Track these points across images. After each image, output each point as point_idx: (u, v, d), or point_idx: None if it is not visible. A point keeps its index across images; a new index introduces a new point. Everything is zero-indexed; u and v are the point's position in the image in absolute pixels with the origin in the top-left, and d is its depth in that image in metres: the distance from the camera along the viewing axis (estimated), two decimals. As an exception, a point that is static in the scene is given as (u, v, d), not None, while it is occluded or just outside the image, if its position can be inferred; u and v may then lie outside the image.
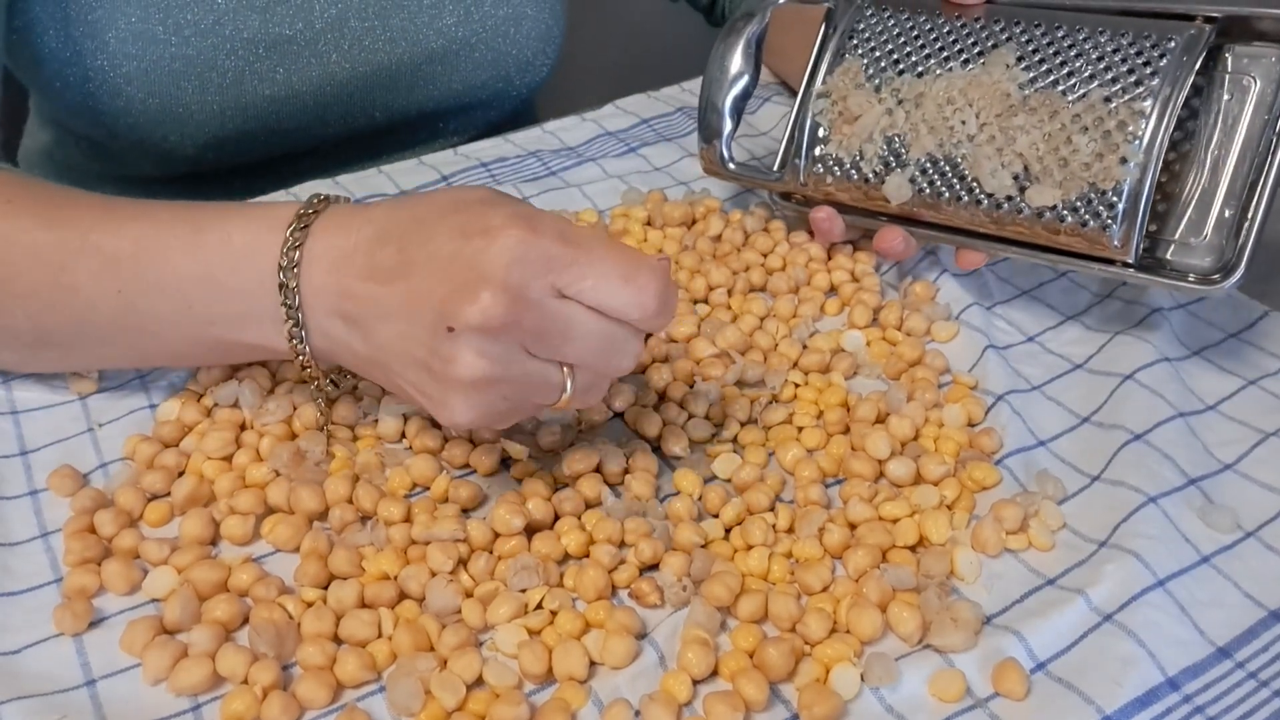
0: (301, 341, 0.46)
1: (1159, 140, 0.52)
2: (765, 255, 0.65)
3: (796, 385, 0.56)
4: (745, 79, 0.63)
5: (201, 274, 0.47)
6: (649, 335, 0.52)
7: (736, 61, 0.63)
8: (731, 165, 0.65)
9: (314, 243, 0.45)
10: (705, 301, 0.62)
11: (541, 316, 0.42)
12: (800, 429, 0.53)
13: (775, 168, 0.64)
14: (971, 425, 0.54)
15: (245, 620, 0.44)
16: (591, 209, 0.69)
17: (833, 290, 0.63)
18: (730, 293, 0.62)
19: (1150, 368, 0.55)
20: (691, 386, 0.56)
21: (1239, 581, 0.46)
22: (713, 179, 0.69)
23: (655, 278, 0.43)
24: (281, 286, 0.45)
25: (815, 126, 0.61)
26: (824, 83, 0.61)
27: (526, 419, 0.47)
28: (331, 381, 0.51)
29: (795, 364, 0.57)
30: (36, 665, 0.43)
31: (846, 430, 0.53)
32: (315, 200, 0.47)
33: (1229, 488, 0.50)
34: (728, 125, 0.63)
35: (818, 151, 0.61)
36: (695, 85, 0.84)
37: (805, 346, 0.58)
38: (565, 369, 0.43)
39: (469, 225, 0.43)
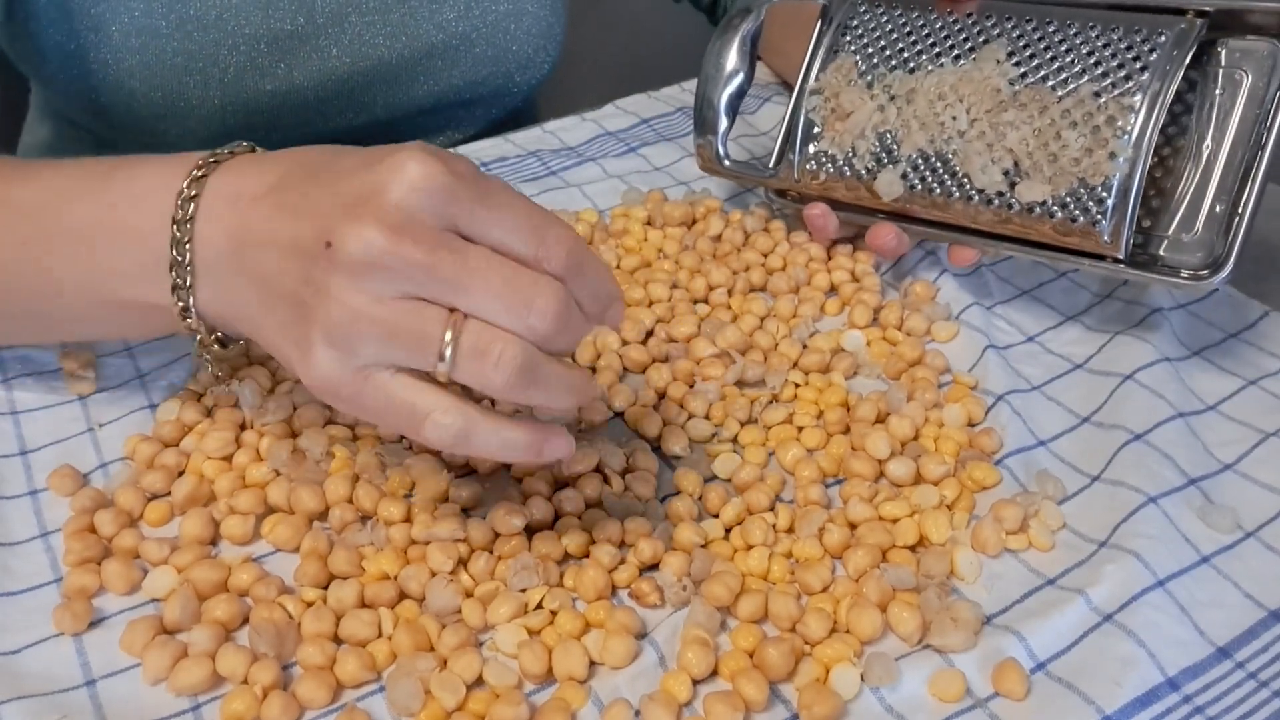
0: (186, 290, 0.42)
1: (1148, 135, 0.52)
2: (765, 255, 0.65)
3: (796, 385, 0.56)
4: (740, 76, 0.63)
5: (102, 218, 0.44)
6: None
7: (732, 59, 0.63)
8: (727, 162, 0.65)
9: (216, 180, 0.42)
10: (705, 301, 0.62)
11: (433, 246, 0.37)
12: (800, 429, 0.53)
13: (770, 165, 0.64)
14: (971, 425, 0.54)
15: (245, 620, 0.44)
16: (592, 209, 0.69)
17: (833, 290, 0.63)
18: (730, 292, 0.62)
19: (1150, 368, 0.55)
20: (691, 386, 0.56)
21: (1239, 582, 0.46)
22: (713, 179, 0.69)
23: (564, 231, 0.39)
24: (174, 224, 0.42)
25: (809, 123, 0.61)
26: (817, 80, 0.61)
27: (396, 422, 0.39)
28: (218, 340, 0.45)
29: (795, 364, 0.57)
30: (36, 665, 0.43)
31: (846, 430, 0.53)
32: (231, 146, 0.44)
33: (1229, 488, 0.50)
34: (723, 122, 0.64)
35: (811, 148, 0.61)
36: (695, 85, 0.84)
37: (805, 346, 0.58)
38: (451, 321, 0.37)
39: (377, 153, 0.39)
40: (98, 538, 0.47)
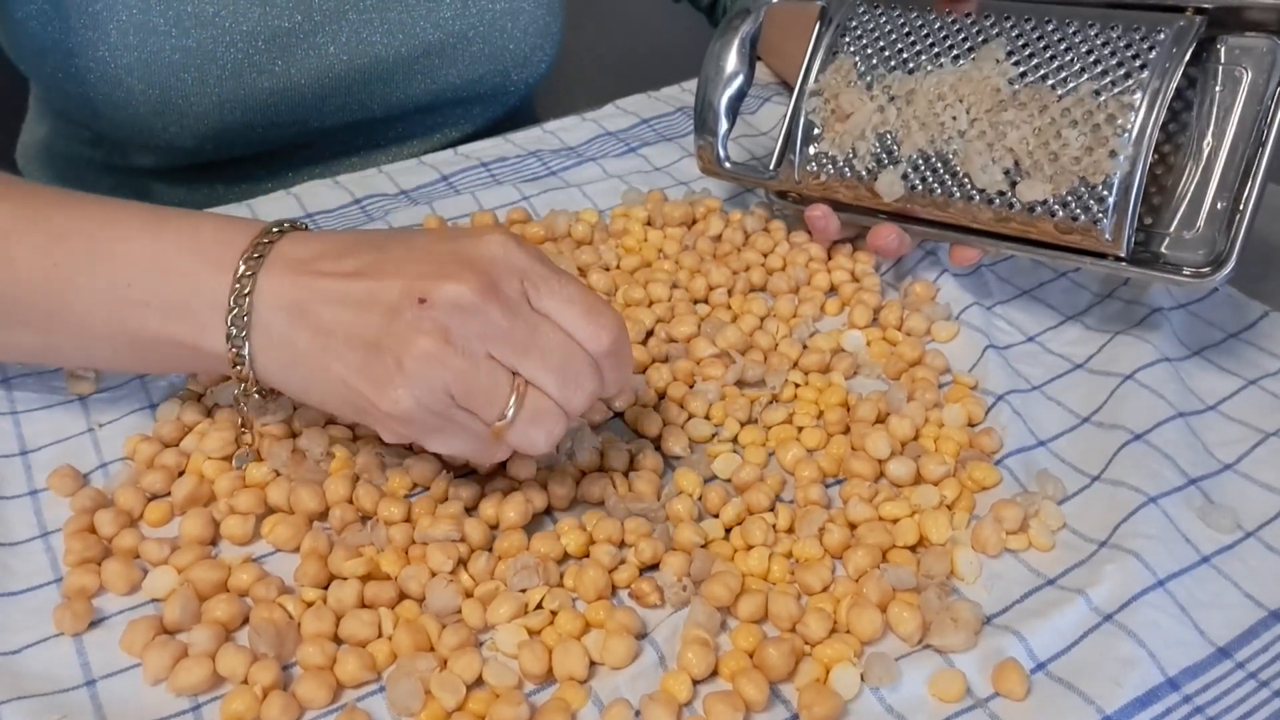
0: (241, 335, 0.45)
1: (1148, 133, 0.52)
2: (765, 255, 0.65)
3: (796, 385, 0.56)
4: (740, 78, 0.63)
5: (154, 253, 0.46)
6: (611, 409, 0.53)
7: (731, 60, 0.63)
8: (728, 164, 0.65)
9: (284, 245, 0.45)
10: (705, 301, 0.62)
11: (513, 313, 0.42)
12: (800, 429, 0.53)
13: (771, 166, 0.64)
14: (971, 425, 0.54)
15: (245, 620, 0.44)
16: (592, 209, 0.69)
17: (833, 290, 0.63)
18: (730, 293, 0.62)
19: (1150, 368, 0.55)
20: (691, 386, 0.56)
21: (1239, 581, 0.46)
22: (712, 179, 0.69)
23: (615, 321, 0.44)
24: (238, 275, 0.44)
25: (809, 125, 0.61)
26: (816, 81, 0.61)
27: (458, 447, 0.44)
28: (259, 393, 0.48)
29: (795, 364, 0.57)
30: (36, 665, 0.43)
31: (846, 430, 0.53)
32: (288, 221, 0.47)
33: (1229, 488, 0.50)
34: (723, 124, 0.64)
35: (811, 150, 0.61)
36: (695, 85, 0.84)
37: (805, 346, 0.58)
38: (516, 386, 0.42)
39: (456, 234, 0.45)
40: (98, 538, 0.47)
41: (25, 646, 0.44)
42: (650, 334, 0.59)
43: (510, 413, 0.42)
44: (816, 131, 0.61)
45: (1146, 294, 0.60)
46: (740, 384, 0.56)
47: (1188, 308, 0.61)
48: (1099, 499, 0.49)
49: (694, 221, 0.68)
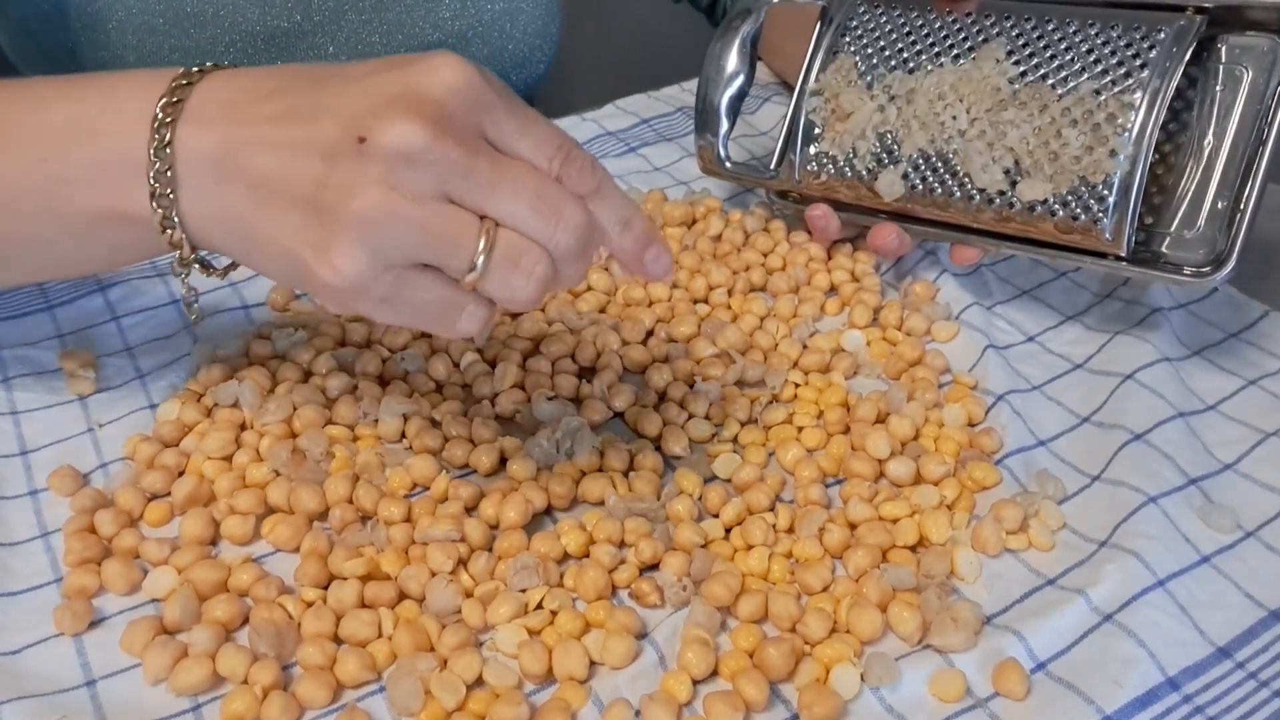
0: (167, 198, 0.40)
1: (1149, 132, 0.52)
2: (765, 255, 0.65)
3: (796, 385, 0.56)
4: (741, 78, 0.63)
5: (68, 120, 0.41)
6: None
7: (732, 61, 0.63)
8: (728, 164, 0.65)
9: (202, 88, 0.40)
10: (705, 301, 0.62)
11: (473, 149, 0.36)
12: (800, 429, 0.53)
13: (771, 166, 0.64)
14: (971, 425, 0.54)
15: (245, 620, 0.44)
16: (591, 209, 0.68)
17: (833, 290, 0.63)
18: (730, 292, 0.62)
19: (1150, 368, 0.55)
20: (691, 386, 0.56)
21: (1239, 581, 0.46)
22: (712, 179, 0.69)
23: (589, 158, 0.38)
24: (155, 125, 0.39)
25: (809, 124, 0.61)
26: (817, 80, 0.62)
27: (422, 319, 0.39)
28: (199, 261, 0.43)
29: (795, 364, 0.57)
30: (36, 665, 0.43)
31: (846, 430, 0.53)
32: (217, 64, 0.42)
33: (1229, 488, 0.50)
34: (724, 124, 0.64)
35: (812, 149, 0.61)
36: (695, 85, 0.84)
37: (805, 346, 0.58)
38: (485, 228, 0.37)
39: (402, 58, 0.38)
40: (98, 538, 0.47)
41: (25, 646, 0.44)
42: (650, 334, 0.59)
43: (480, 259, 0.37)
44: (817, 131, 0.61)
45: (1146, 294, 0.60)
46: (740, 384, 0.56)
47: (1188, 308, 0.61)
48: (1099, 499, 0.49)
49: (694, 221, 0.68)
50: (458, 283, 0.38)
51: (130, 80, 0.42)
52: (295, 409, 0.52)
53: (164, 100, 0.40)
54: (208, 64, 0.42)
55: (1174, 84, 0.52)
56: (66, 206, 0.42)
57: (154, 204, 0.40)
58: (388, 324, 0.41)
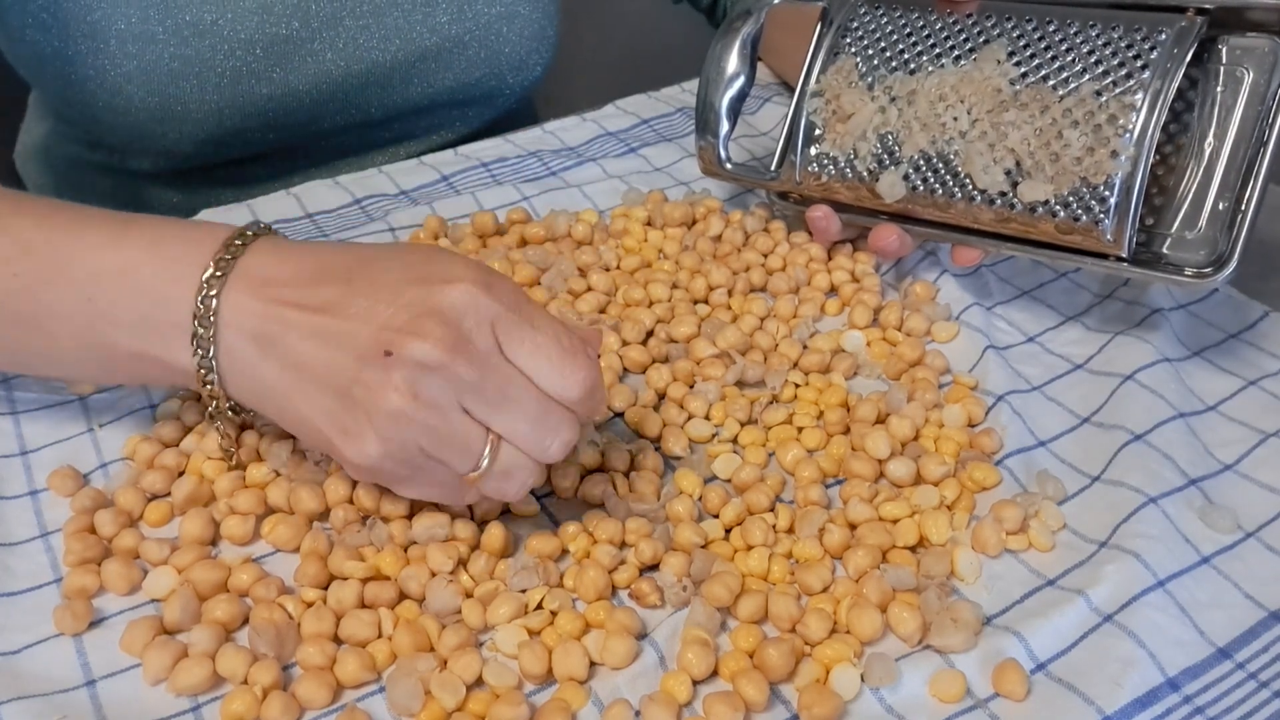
0: (208, 356, 0.44)
1: (1150, 133, 0.52)
2: (765, 255, 0.65)
3: (797, 385, 0.56)
4: (741, 79, 0.63)
5: (117, 268, 0.44)
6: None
7: (733, 62, 0.63)
8: (729, 165, 0.65)
9: (248, 259, 0.44)
10: (705, 302, 0.62)
11: (484, 368, 0.41)
12: (800, 429, 0.53)
13: (772, 167, 0.64)
14: (972, 425, 0.54)
15: (245, 620, 0.44)
16: (592, 209, 0.69)
17: (833, 290, 0.63)
18: (730, 293, 0.62)
19: (1150, 368, 0.55)
20: (691, 386, 0.56)
21: (1239, 582, 0.46)
22: (713, 180, 0.69)
23: (587, 369, 0.43)
24: (201, 294, 0.43)
25: (810, 125, 0.61)
26: (818, 82, 0.62)
27: (428, 494, 0.44)
28: (232, 409, 0.47)
29: (795, 364, 0.57)
30: (36, 665, 0.43)
31: (846, 430, 0.53)
32: (256, 225, 0.46)
33: (1229, 488, 0.50)
34: (725, 125, 0.64)
35: (813, 150, 0.61)
36: (695, 85, 0.84)
37: (805, 347, 0.58)
38: (490, 440, 0.42)
39: (426, 271, 0.43)
40: (98, 538, 0.47)
41: (25, 647, 0.44)
42: (650, 334, 0.59)
43: (484, 464, 0.42)
44: (818, 132, 0.61)
45: (1146, 295, 0.60)
46: (740, 384, 0.56)
47: (1188, 308, 0.61)
48: (1099, 499, 0.49)
49: (694, 222, 0.68)
50: (460, 475, 0.43)
51: (180, 236, 0.45)
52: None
53: (211, 269, 0.44)
54: (255, 228, 0.46)
55: (1175, 85, 0.52)
56: (108, 345, 0.45)
57: (197, 364, 0.44)
58: (408, 497, 0.46)
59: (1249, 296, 0.61)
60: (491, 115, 0.83)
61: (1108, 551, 0.47)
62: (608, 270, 0.63)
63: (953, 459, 0.51)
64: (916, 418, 0.53)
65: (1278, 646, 0.44)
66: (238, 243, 0.45)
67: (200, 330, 0.43)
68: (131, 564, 0.46)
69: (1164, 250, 0.55)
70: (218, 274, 0.44)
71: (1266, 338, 0.58)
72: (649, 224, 0.68)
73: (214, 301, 0.43)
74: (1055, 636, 0.43)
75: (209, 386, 0.45)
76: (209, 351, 0.44)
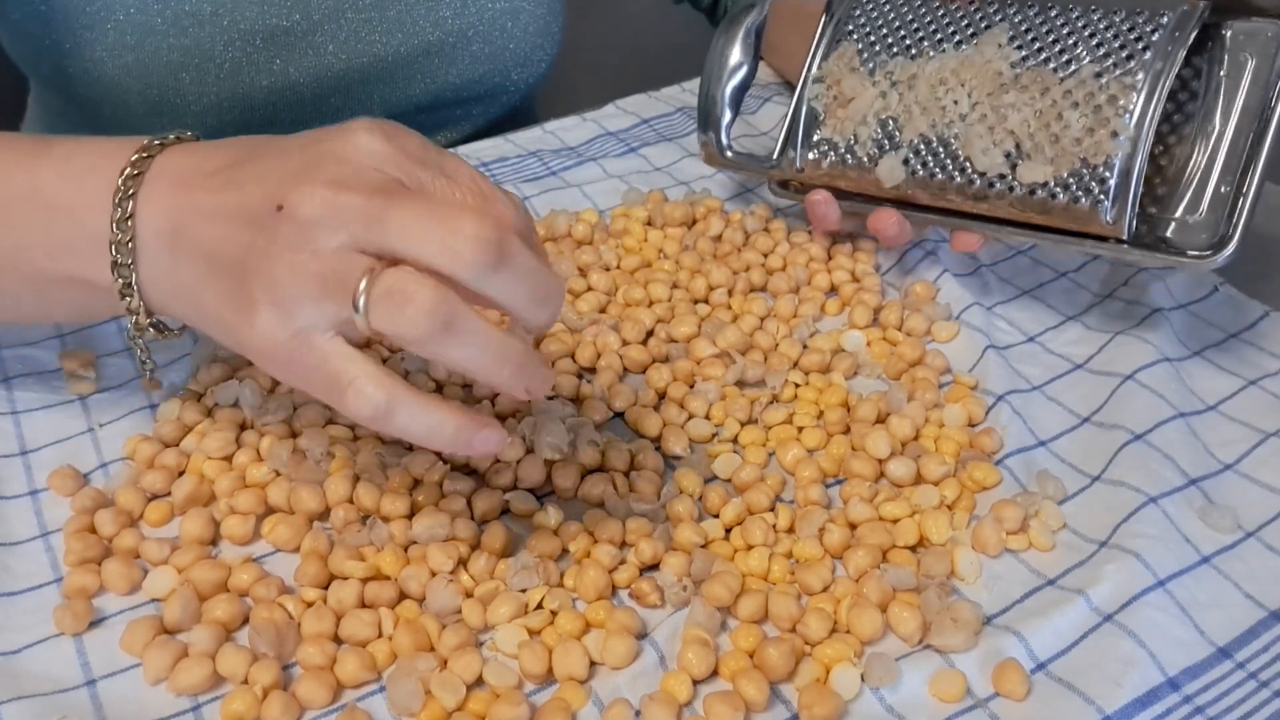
0: (129, 268, 0.42)
1: (1150, 114, 0.51)
2: (766, 255, 0.65)
3: (797, 385, 0.56)
4: (744, 70, 0.63)
5: (30, 189, 0.43)
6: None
7: (736, 53, 0.63)
8: (730, 154, 0.65)
9: (161, 160, 0.42)
10: (705, 301, 0.62)
11: (371, 194, 0.37)
12: (800, 429, 0.53)
13: (774, 155, 0.64)
14: (972, 425, 0.54)
15: (245, 620, 0.44)
16: (592, 209, 0.69)
17: (833, 290, 0.63)
18: (730, 293, 0.62)
19: (1150, 368, 0.55)
20: (692, 386, 0.56)
21: (1239, 582, 0.46)
22: (713, 180, 0.69)
23: (515, 204, 0.39)
24: (119, 197, 0.41)
25: (812, 112, 0.61)
26: (819, 68, 0.61)
27: (320, 391, 0.39)
28: (154, 325, 0.45)
29: (795, 364, 0.57)
30: (36, 665, 0.43)
31: (847, 430, 0.53)
32: (175, 133, 0.44)
33: (1229, 488, 0.50)
34: (727, 115, 0.64)
35: (814, 137, 0.61)
36: (696, 85, 0.84)
37: (805, 346, 0.58)
38: (369, 266, 0.37)
39: (326, 129, 0.40)
40: (98, 538, 0.47)
41: (25, 646, 0.44)
42: (650, 334, 0.59)
43: (362, 298, 0.36)
44: (820, 118, 0.61)
45: (1147, 294, 0.60)
46: (740, 384, 0.56)
47: (1188, 308, 0.61)
48: (1099, 499, 0.49)
49: (694, 221, 0.68)
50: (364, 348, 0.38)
51: (92, 149, 0.44)
52: (295, 409, 0.52)
53: (125, 173, 0.42)
54: (169, 135, 0.44)
55: (1176, 67, 0.51)
56: (30, 269, 0.44)
57: (115, 274, 0.42)
58: (296, 388, 0.42)
59: (1249, 296, 0.61)
60: (497, 113, 0.83)
61: (1108, 551, 0.47)
62: (608, 270, 0.64)
63: (953, 459, 0.51)
64: (917, 417, 0.53)
65: (1278, 646, 0.44)
66: (156, 143, 0.43)
67: (119, 235, 0.42)
68: (131, 564, 0.46)
69: (1167, 234, 0.54)
70: (134, 173, 0.42)
71: (1266, 338, 0.58)
72: (649, 224, 0.68)
73: (130, 205, 0.41)
74: (1055, 636, 0.43)
75: (128, 300, 0.43)
76: (129, 259, 0.42)
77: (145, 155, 0.42)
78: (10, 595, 0.45)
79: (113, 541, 0.47)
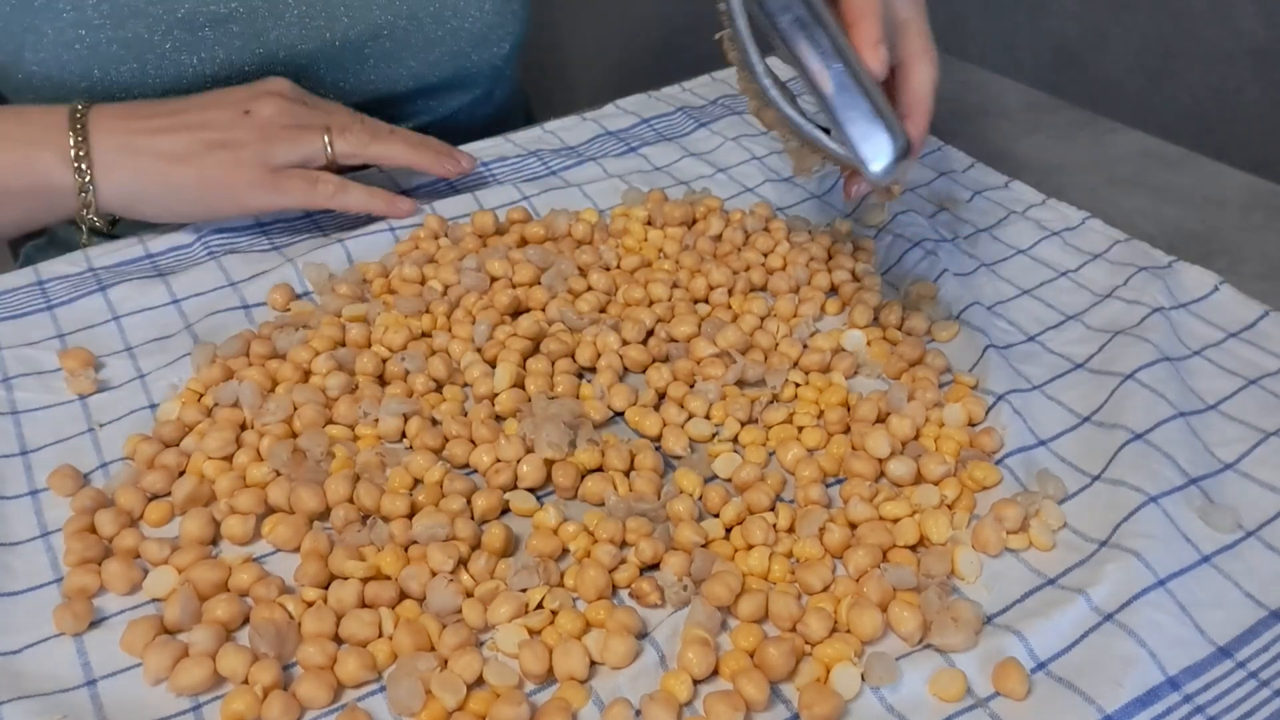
0: (84, 167, 0.60)
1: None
2: (765, 255, 0.65)
3: (797, 385, 0.56)
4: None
5: None
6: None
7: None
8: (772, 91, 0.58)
9: (97, 108, 0.62)
10: (706, 301, 0.62)
11: (299, 103, 0.66)
12: (800, 428, 0.53)
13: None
14: (972, 425, 0.54)
15: (245, 620, 0.44)
16: (592, 209, 0.69)
17: (833, 290, 0.63)
18: (731, 292, 0.62)
19: (1150, 367, 0.55)
20: (692, 386, 0.56)
21: (1240, 581, 0.46)
22: (713, 180, 0.68)
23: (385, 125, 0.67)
24: (74, 116, 0.61)
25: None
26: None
27: (300, 196, 0.64)
28: (97, 218, 0.62)
29: (796, 363, 0.57)
30: (37, 665, 0.43)
31: (847, 430, 0.53)
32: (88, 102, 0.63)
33: (1230, 487, 0.50)
34: (756, 54, 0.57)
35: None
36: (695, 85, 0.84)
37: (806, 346, 0.58)
38: (324, 132, 0.65)
39: (240, 87, 0.66)
40: (98, 538, 0.47)
41: (25, 646, 0.44)
42: (650, 333, 0.59)
43: (328, 149, 0.65)
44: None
45: (1147, 294, 0.60)
46: (740, 384, 0.56)
47: (1188, 308, 0.61)
48: (1099, 498, 0.49)
49: (694, 221, 0.68)
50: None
51: (38, 108, 0.63)
52: (295, 409, 0.52)
53: (72, 110, 0.62)
54: (88, 101, 0.63)
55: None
56: None
57: (75, 175, 0.61)
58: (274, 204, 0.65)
59: (1249, 296, 0.61)
60: (467, 99, 0.81)
61: (1108, 550, 0.47)
62: (608, 270, 0.64)
63: (953, 458, 0.51)
64: (917, 417, 0.53)
65: (1278, 646, 0.44)
66: (81, 105, 0.62)
67: (76, 136, 0.61)
68: (132, 564, 0.46)
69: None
70: (80, 108, 0.62)
71: (1266, 337, 0.58)
72: (649, 223, 0.68)
73: (84, 118, 0.61)
74: (1056, 635, 0.43)
75: (85, 194, 0.61)
76: (84, 162, 0.61)
77: (83, 109, 0.62)
78: (10, 595, 0.45)
79: (113, 541, 0.47)
